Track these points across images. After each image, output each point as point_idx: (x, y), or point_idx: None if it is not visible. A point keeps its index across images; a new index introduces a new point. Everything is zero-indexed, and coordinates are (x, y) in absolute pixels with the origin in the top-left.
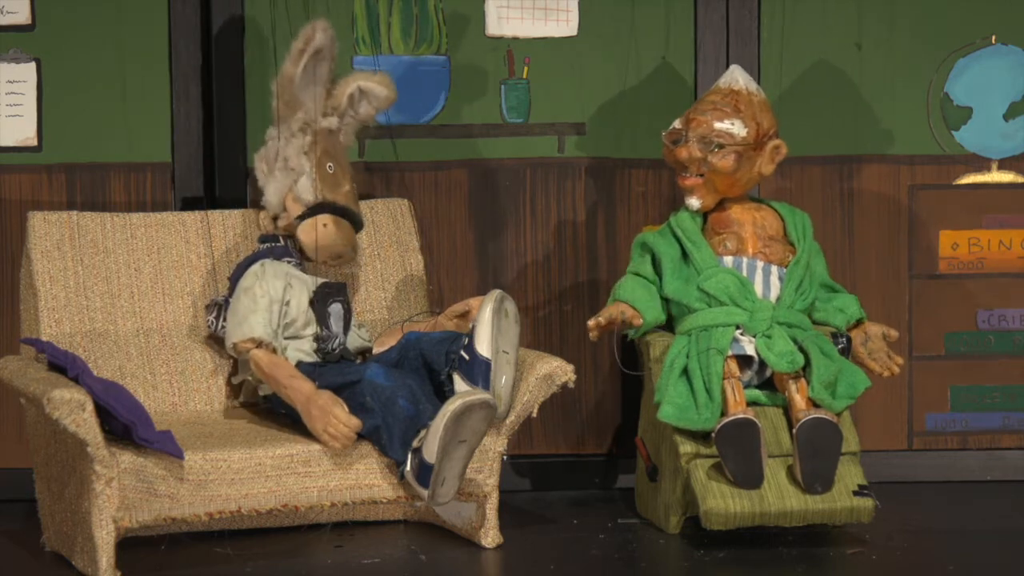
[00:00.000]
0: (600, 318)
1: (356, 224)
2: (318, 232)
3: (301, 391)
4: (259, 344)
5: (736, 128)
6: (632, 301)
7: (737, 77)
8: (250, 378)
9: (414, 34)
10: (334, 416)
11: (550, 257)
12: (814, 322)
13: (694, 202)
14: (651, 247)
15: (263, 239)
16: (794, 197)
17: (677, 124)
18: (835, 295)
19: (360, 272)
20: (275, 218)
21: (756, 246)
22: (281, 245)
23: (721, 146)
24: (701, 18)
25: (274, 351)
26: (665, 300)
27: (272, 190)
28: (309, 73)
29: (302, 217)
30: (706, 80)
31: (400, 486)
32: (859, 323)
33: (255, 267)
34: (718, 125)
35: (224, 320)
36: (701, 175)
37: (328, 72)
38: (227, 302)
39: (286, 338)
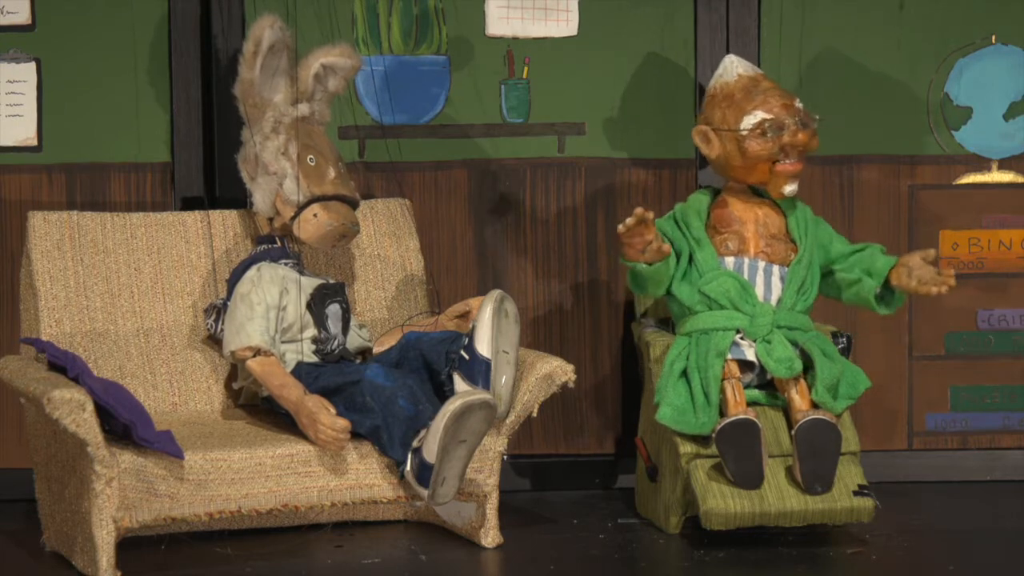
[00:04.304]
0: (630, 220)
1: (351, 205)
2: (311, 224)
3: (290, 400)
4: (257, 352)
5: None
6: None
7: (745, 64)
8: (249, 383)
9: (414, 34)
10: (320, 423)
11: (550, 257)
12: (849, 302)
13: (794, 188)
14: (667, 236)
15: (260, 240)
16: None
17: (766, 114)
18: (852, 265)
19: (360, 272)
20: (270, 219)
21: (758, 246)
22: (278, 246)
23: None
24: (701, 18)
25: (272, 357)
26: (668, 294)
27: (259, 196)
28: (269, 71)
29: (295, 217)
30: (706, 80)
31: (400, 486)
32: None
33: (251, 272)
34: (800, 105)
35: (223, 323)
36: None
37: (288, 61)
38: (225, 305)
39: (284, 341)
